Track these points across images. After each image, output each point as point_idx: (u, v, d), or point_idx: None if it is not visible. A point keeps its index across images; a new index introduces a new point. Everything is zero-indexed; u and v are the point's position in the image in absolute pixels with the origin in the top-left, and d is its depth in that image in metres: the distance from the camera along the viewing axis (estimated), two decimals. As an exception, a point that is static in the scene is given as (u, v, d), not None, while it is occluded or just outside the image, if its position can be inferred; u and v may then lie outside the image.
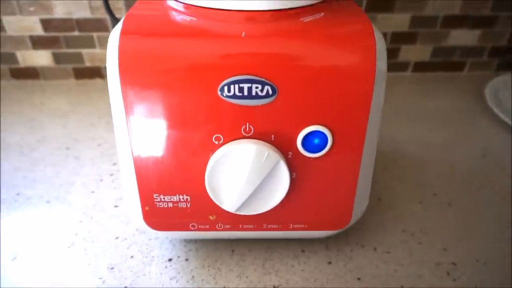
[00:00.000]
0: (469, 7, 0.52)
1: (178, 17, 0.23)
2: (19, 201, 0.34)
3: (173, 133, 0.23)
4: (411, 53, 0.56)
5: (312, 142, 0.23)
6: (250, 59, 0.21)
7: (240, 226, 0.27)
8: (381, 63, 0.22)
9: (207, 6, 0.22)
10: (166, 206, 0.26)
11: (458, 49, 0.56)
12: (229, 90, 0.22)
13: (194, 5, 0.23)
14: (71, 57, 0.53)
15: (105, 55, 0.53)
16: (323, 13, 0.23)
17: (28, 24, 0.50)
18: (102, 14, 0.50)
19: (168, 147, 0.23)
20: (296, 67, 0.22)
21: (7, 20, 0.50)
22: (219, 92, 0.22)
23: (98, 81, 0.55)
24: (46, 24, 0.50)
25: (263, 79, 0.21)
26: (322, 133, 0.23)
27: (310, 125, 0.23)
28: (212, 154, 0.23)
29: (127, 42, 0.22)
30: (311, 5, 0.23)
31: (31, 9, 0.49)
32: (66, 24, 0.50)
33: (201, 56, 0.21)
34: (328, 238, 0.30)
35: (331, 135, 0.23)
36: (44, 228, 0.32)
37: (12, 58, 0.53)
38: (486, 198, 0.35)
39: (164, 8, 0.24)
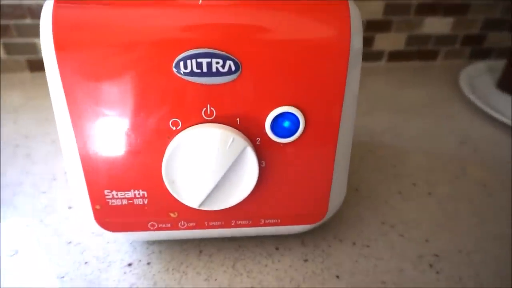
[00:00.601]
0: (442, -6, 0.51)
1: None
2: (-44, 205, 0.30)
3: (123, 119, 0.20)
4: (385, 41, 0.55)
5: (282, 125, 0.21)
6: (209, 30, 0.19)
7: (206, 223, 0.24)
8: (356, 37, 0.20)
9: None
10: (120, 203, 0.22)
11: (432, 37, 0.55)
12: (185, 66, 0.19)
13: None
14: (24, 48, 0.49)
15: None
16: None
17: (-27, 11, 0.46)
18: None
19: (118, 136, 0.20)
20: (262, 40, 0.19)
21: None
22: (174, 69, 0.19)
23: (55, 74, 0.51)
24: (-6, 11, 0.46)
25: (224, 53, 0.19)
26: (293, 115, 0.20)
27: (279, 106, 0.20)
28: (170, 141, 0.21)
29: (62, 12, 0.19)
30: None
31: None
32: (16, 11, 0.46)
33: (152, 27, 0.18)
34: (303, 233, 0.28)
35: (303, 117, 0.21)
36: (-16, 234, 0.28)
37: (-44, 49, 0.48)
38: (466, 186, 0.34)
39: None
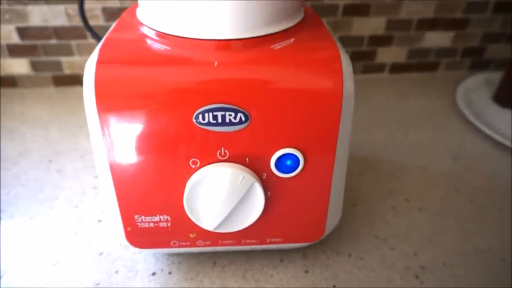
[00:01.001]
0: (442, 10, 0.53)
1: (153, 46, 0.23)
2: (4, 218, 0.35)
3: (151, 158, 0.24)
4: (387, 55, 0.57)
5: (285, 163, 0.24)
6: (223, 88, 0.22)
7: (220, 242, 0.28)
8: (348, 85, 0.23)
9: (181, 35, 0.23)
10: (147, 226, 0.26)
11: (433, 50, 0.58)
12: (203, 118, 0.23)
13: (168, 34, 0.23)
14: (50, 65, 0.53)
15: (85, 62, 0.53)
16: (293, 39, 0.24)
17: (4, 32, 0.50)
18: (80, 21, 0.49)
19: (147, 171, 0.24)
20: (267, 94, 0.23)
21: (-18, 29, 0.49)
22: (194, 120, 0.23)
23: (77, 88, 0.55)
24: (23, 32, 0.50)
25: (236, 107, 0.22)
26: (294, 155, 0.24)
27: (282, 148, 0.24)
28: (190, 176, 0.24)
29: (103, 71, 0.22)
30: (281, 31, 0.24)
31: (6, 16, 0.48)
32: (43, 32, 0.50)
33: (176, 85, 0.22)
34: (305, 247, 0.32)
35: (302, 156, 0.24)
36: (29, 246, 0.32)
37: (-11, 67, 0.52)
38: (456, 202, 0.37)
39: (140, 35, 0.24)
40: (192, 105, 0.22)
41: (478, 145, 0.45)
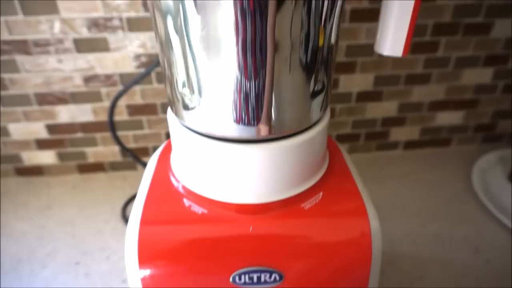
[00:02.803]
0: (452, 92, 0.55)
1: (191, 209, 0.25)
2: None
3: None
4: (400, 133, 0.59)
5: (317, 314, 0.25)
6: (259, 251, 0.23)
7: None
8: (376, 243, 0.24)
9: (218, 199, 0.24)
10: None
11: (445, 127, 0.59)
12: (240, 279, 0.24)
13: (206, 197, 0.25)
14: (75, 155, 0.55)
15: (107, 153, 0.55)
16: (320, 194, 0.26)
17: (33, 129, 0.52)
18: (105, 116, 0.52)
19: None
20: (299, 254, 0.24)
21: (12, 127, 0.52)
22: (231, 281, 0.24)
23: (101, 175, 0.57)
24: (51, 128, 0.52)
25: (271, 269, 0.23)
26: (326, 307, 0.25)
27: (315, 300, 0.25)
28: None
29: (146, 231, 0.24)
30: (310, 188, 0.25)
31: (36, 115, 0.51)
32: (70, 127, 0.52)
33: (214, 248, 0.23)
34: None
35: (334, 307, 0.25)
36: None
37: (17, 158, 0.54)
38: (480, 307, 0.38)
39: (177, 193, 0.26)
40: (229, 267, 0.23)
41: (498, 237, 0.45)
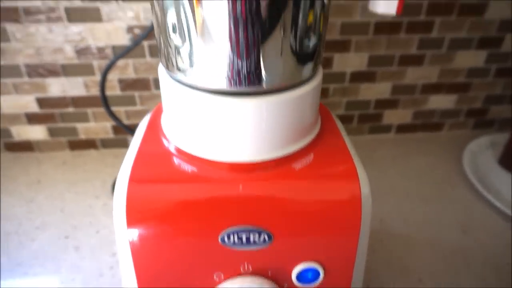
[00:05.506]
0: (445, 75, 0.55)
1: (181, 167, 0.25)
2: (22, 304, 0.35)
3: (177, 271, 0.25)
4: (393, 116, 0.59)
5: (306, 276, 0.25)
6: (248, 211, 0.23)
7: None
8: (366, 207, 0.24)
9: (208, 158, 0.24)
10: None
11: (437, 112, 0.59)
12: (228, 239, 0.24)
13: (196, 156, 0.25)
14: (66, 131, 0.54)
15: (99, 129, 0.54)
16: (312, 155, 0.26)
17: (23, 102, 0.51)
18: (97, 91, 0.51)
19: (172, 284, 0.25)
20: (290, 214, 0.24)
21: (2, 99, 0.51)
22: (219, 240, 0.24)
23: (92, 152, 0.56)
24: (42, 102, 0.51)
25: (260, 228, 0.23)
26: (314, 268, 0.25)
27: (302, 262, 0.25)
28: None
29: (134, 189, 0.24)
30: (301, 149, 0.25)
31: (26, 87, 0.50)
32: (61, 101, 0.52)
33: (202, 207, 0.23)
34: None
35: (322, 269, 0.25)
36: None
37: (6, 133, 0.54)
38: (468, 281, 0.38)
39: (167, 152, 0.26)
40: (218, 226, 0.23)
41: (487, 218, 0.46)
